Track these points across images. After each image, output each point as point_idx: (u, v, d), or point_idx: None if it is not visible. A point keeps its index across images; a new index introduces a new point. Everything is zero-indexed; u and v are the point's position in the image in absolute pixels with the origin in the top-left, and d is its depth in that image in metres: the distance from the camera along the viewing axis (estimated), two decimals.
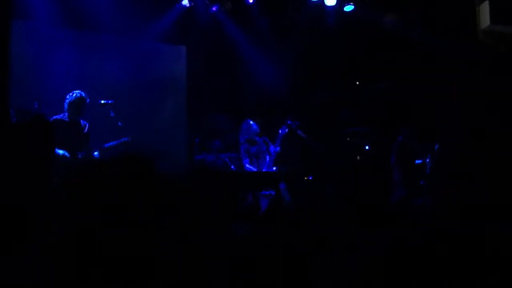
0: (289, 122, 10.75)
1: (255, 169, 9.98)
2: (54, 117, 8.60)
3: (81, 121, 8.80)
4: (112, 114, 9.03)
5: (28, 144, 5.93)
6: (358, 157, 10.93)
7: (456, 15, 9.64)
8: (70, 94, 8.68)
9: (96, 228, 1.23)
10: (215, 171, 2.93)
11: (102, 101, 9.03)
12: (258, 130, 10.19)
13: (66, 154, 8.33)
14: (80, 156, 8.49)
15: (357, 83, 12.47)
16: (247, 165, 10.03)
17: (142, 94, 11.25)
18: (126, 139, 8.85)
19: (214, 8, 12.04)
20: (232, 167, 10.08)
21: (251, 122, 10.19)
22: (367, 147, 10.87)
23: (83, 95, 8.70)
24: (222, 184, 2.76)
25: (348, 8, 12.27)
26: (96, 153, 8.80)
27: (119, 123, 8.92)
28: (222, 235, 2.64)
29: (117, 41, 11.12)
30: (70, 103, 8.62)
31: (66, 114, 8.66)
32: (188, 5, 11.77)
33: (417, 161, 9.51)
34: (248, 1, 12.07)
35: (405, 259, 1.24)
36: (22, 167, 5.61)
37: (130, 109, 10.28)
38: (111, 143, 8.85)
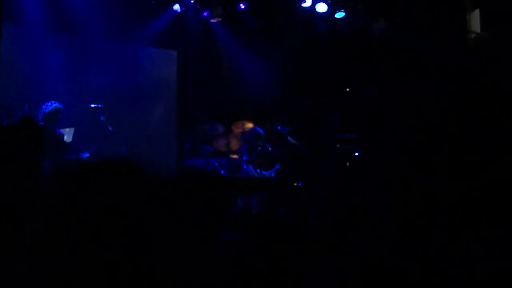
0: (279, 128, 10.78)
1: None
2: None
3: (57, 130, 8.73)
4: (102, 118, 9.00)
5: (17, 146, 5.91)
6: (347, 164, 10.94)
7: (446, 22, 9.68)
8: (47, 104, 8.56)
9: (83, 232, 1.22)
10: (205, 174, 2.92)
11: (92, 105, 8.99)
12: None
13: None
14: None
15: (347, 89, 12.50)
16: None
17: (133, 98, 11.23)
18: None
19: (205, 13, 12.03)
20: (221, 172, 10.09)
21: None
22: (356, 154, 10.89)
23: (59, 106, 8.59)
24: (211, 187, 2.76)
25: (339, 14, 12.31)
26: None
27: (109, 127, 8.89)
28: (210, 238, 2.65)
29: (108, 45, 11.10)
30: (46, 114, 8.50)
31: (42, 123, 8.52)
32: (179, 10, 11.76)
33: None
34: (240, 7, 12.09)
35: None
36: (10, 169, 5.59)
37: (120, 113, 10.26)
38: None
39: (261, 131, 10.39)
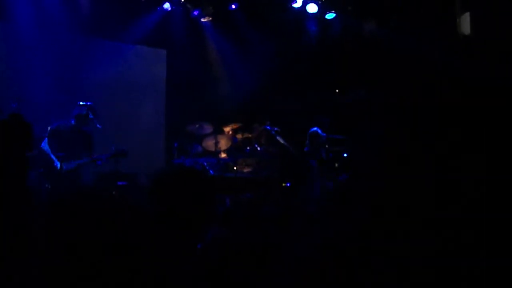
0: (268, 128, 10.77)
1: None
2: (59, 122, 8.61)
3: (85, 129, 8.75)
4: (90, 116, 8.96)
5: (4, 143, 5.89)
6: (336, 165, 10.95)
7: (437, 24, 9.72)
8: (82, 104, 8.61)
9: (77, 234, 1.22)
10: (194, 171, 2.92)
11: (81, 103, 8.95)
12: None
13: (57, 164, 8.25)
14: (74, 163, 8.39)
15: (337, 90, 12.53)
16: None
17: (121, 97, 11.21)
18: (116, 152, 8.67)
19: (195, 13, 12.02)
20: (210, 172, 10.08)
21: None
22: (345, 155, 10.90)
23: (93, 106, 8.65)
24: (199, 184, 2.76)
25: (330, 15, 12.34)
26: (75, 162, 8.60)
27: (98, 125, 8.85)
28: (198, 236, 2.65)
29: (97, 43, 11.08)
30: (78, 114, 8.57)
31: (73, 121, 8.60)
32: (169, 8, 11.74)
33: None
34: (231, 7, 12.09)
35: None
36: None
37: (109, 111, 10.22)
38: (107, 155, 8.64)
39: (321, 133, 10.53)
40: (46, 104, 8.92)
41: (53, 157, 8.31)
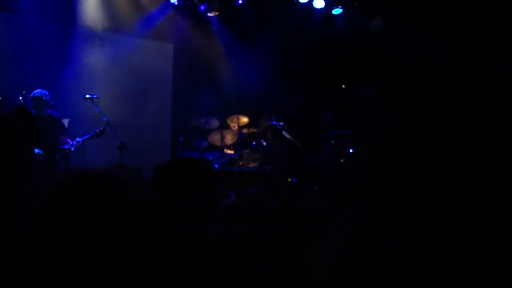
0: (273, 122, 10.77)
1: None
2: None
3: (52, 113, 8.66)
4: (96, 109, 8.98)
5: (9, 134, 5.90)
6: (342, 160, 10.93)
7: (444, 20, 9.67)
8: (33, 92, 8.51)
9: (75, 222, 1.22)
10: (200, 163, 2.91)
11: (87, 96, 8.96)
12: None
13: (40, 151, 8.19)
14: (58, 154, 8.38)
15: (343, 86, 12.50)
16: None
17: (128, 90, 11.20)
18: (100, 129, 8.61)
19: (202, 7, 12.01)
20: (215, 165, 10.08)
21: None
22: (350, 150, 10.88)
23: (43, 92, 8.56)
24: (200, 174, 2.75)
25: (337, 11, 12.33)
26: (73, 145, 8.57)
27: (104, 118, 8.86)
28: (201, 229, 2.65)
29: (104, 36, 11.08)
30: (33, 99, 8.46)
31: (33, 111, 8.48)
32: (176, 3, 11.73)
33: None
34: (238, 2, 12.07)
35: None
36: (4, 157, 5.58)
37: (115, 104, 10.24)
38: (87, 136, 8.61)
39: None
40: (52, 97, 8.92)
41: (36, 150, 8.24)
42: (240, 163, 10.69)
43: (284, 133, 10.71)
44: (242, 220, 3.91)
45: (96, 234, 1.18)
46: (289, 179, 10.54)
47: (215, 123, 11.09)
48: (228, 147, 11.14)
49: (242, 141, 11.21)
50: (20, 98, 7.80)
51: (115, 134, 8.74)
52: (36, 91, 8.50)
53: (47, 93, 8.56)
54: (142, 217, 1.26)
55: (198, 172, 2.76)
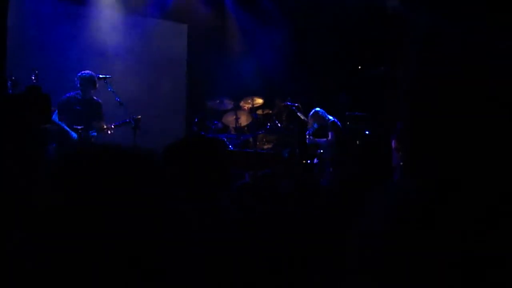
0: (289, 104, 10.70)
1: None
2: (67, 94, 8.71)
3: (94, 98, 8.88)
4: (110, 89, 8.97)
5: (23, 115, 5.88)
6: (357, 142, 10.86)
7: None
8: (83, 72, 8.70)
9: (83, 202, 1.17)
10: (206, 138, 2.88)
11: (100, 76, 8.95)
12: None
13: (74, 135, 8.37)
14: (92, 133, 8.60)
15: (359, 67, 12.38)
16: None
17: (142, 71, 11.17)
18: (128, 120, 8.75)
19: None
20: (230, 147, 10.05)
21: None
22: (367, 132, 10.79)
23: (94, 74, 8.70)
24: (213, 150, 2.70)
25: None
26: (93, 132, 8.72)
27: (117, 98, 8.85)
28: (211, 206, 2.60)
29: (119, 17, 11.02)
30: (82, 78, 8.61)
31: (79, 91, 8.67)
32: None
33: None
34: None
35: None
36: (16, 138, 5.56)
37: (128, 84, 10.21)
38: (115, 123, 8.78)
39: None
40: (65, 76, 8.91)
41: (67, 128, 8.36)
42: (257, 143, 10.64)
43: (299, 114, 10.64)
44: (256, 200, 3.87)
45: (108, 203, 1.15)
46: (305, 161, 10.49)
47: (229, 104, 11.04)
48: (243, 129, 11.08)
49: (256, 123, 11.16)
50: (33, 77, 7.76)
51: (128, 115, 8.73)
52: (85, 71, 8.74)
53: (94, 75, 8.75)
54: (156, 190, 1.24)
55: (209, 151, 2.71)
